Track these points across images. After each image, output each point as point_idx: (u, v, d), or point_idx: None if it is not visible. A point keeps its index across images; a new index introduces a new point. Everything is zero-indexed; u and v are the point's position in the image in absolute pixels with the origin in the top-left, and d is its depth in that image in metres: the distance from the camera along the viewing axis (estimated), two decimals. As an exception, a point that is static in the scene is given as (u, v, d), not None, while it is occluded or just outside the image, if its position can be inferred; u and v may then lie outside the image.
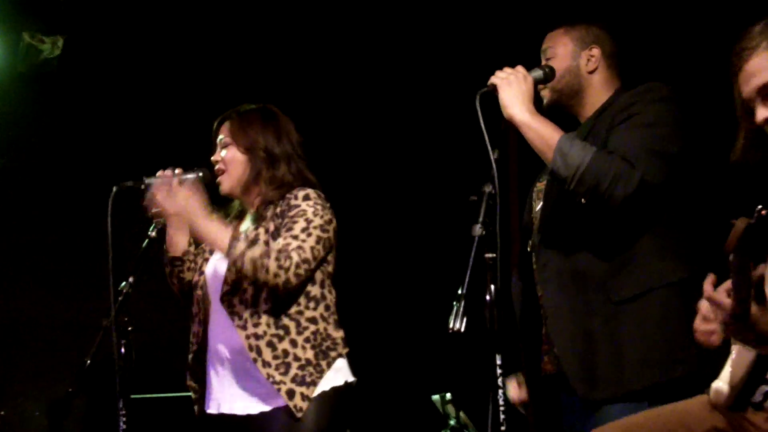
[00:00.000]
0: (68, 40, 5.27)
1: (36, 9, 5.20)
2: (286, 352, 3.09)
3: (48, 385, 5.23)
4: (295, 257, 3.06)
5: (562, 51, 3.06)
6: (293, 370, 3.07)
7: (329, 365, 3.13)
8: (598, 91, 3.05)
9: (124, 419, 3.09)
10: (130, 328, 3.12)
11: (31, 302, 5.41)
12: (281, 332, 3.10)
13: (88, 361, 3.16)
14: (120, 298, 3.17)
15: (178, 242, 3.33)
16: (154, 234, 3.32)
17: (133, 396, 3.10)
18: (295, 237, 3.10)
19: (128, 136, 5.58)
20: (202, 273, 3.32)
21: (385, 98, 5.82)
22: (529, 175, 3.28)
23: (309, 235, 3.11)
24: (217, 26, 5.50)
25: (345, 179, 3.82)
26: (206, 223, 3.15)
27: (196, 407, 3.32)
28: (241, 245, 3.05)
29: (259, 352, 3.08)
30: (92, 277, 5.31)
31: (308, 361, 3.10)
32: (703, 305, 2.19)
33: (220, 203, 3.43)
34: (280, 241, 3.10)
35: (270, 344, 3.09)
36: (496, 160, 2.65)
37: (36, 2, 5.20)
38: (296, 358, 3.09)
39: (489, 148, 2.66)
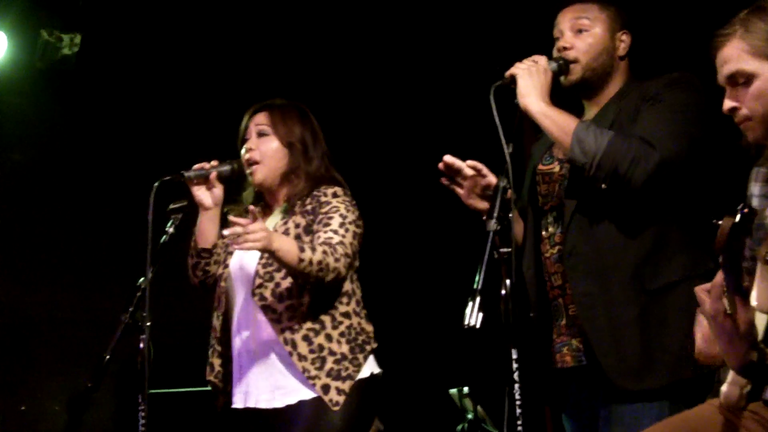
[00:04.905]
0: (86, 36, 5.29)
1: (54, 6, 5.22)
2: (321, 347, 3.10)
3: (67, 380, 5.26)
4: (340, 249, 3.08)
5: (601, 29, 3.01)
6: (329, 365, 3.08)
7: (365, 359, 3.16)
8: (619, 77, 3.03)
9: (143, 414, 3.10)
10: (148, 323, 3.13)
11: (49, 297, 5.44)
12: (317, 326, 3.11)
13: (108, 357, 3.17)
14: (138, 294, 3.19)
15: (209, 234, 3.34)
16: (172, 230, 3.31)
17: (151, 391, 3.10)
18: (335, 231, 3.11)
19: (145, 131, 5.61)
20: (226, 266, 3.31)
21: (399, 92, 5.82)
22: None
23: (346, 230, 3.13)
24: (232, 23, 5.51)
25: (360, 175, 3.83)
26: (281, 241, 3.05)
27: (217, 402, 3.31)
28: (308, 253, 3.01)
29: (294, 346, 3.09)
30: (112, 272, 5.34)
31: (344, 356, 3.11)
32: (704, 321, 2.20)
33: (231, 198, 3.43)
34: (322, 235, 3.11)
35: (306, 338, 3.10)
36: (511, 154, 2.64)
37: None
38: (332, 353, 3.10)
39: (503, 142, 2.64)
